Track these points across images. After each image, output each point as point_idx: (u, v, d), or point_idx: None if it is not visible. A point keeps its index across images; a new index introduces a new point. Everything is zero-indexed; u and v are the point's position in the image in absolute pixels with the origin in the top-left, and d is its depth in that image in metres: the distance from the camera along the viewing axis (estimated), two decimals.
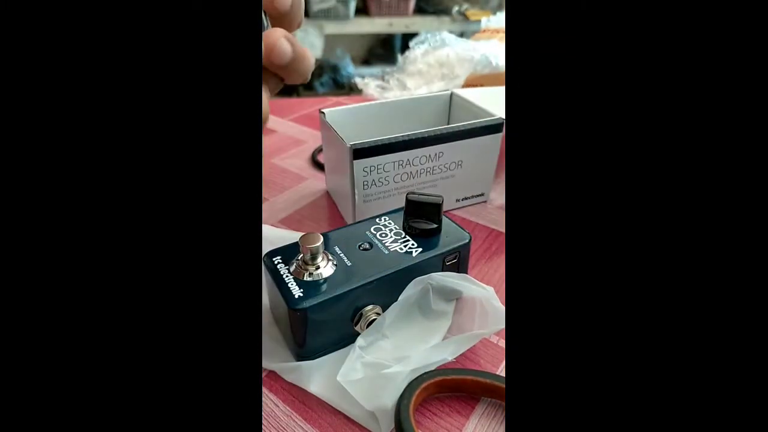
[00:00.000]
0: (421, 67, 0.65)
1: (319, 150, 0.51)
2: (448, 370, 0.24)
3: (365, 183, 0.35)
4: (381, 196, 0.36)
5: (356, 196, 0.35)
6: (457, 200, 0.40)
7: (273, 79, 0.22)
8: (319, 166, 0.48)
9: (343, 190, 0.37)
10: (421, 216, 0.28)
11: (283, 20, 0.21)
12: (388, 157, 0.34)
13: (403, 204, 0.29)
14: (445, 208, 0.29)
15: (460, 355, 0.26)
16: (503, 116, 0.37)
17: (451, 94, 0.43)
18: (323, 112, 0.38)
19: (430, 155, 0.36)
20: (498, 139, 0.38)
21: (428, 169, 0.36)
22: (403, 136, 0.34)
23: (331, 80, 1.64)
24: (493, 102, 0.40)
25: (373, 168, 0.34)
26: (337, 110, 0.38)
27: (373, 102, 0.41)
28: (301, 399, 0.24)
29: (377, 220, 0.30)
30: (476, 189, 0.40)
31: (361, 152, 0.33)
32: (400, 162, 0.35)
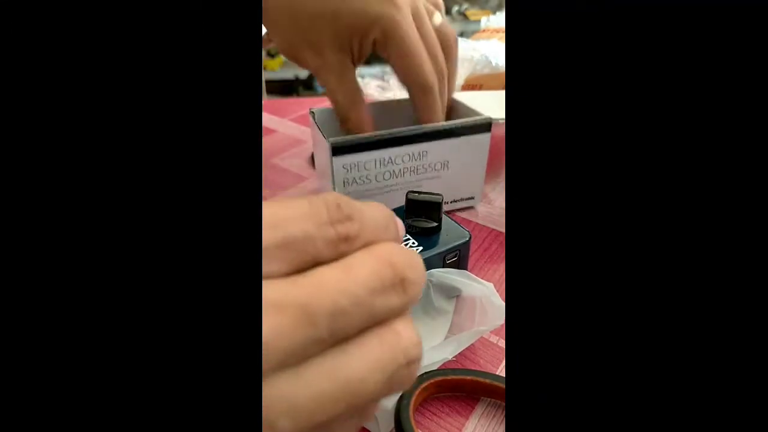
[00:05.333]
0: None
1: None
2: (448, 370, 0.24)
3: (345, 181, 0.34)
4: (363, 195, 0.35)
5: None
6: (446, 203, 0.38)
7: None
8: None
9: (326, 189, 0.36)
10: (421, 215, 0.28)
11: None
12: (369, 154, 0.33)
13: (387, 204, 0.29)
14: None
15: (460, 355, 0.26)
16: (492, 117, 0.36)
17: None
18: (313, 112, 0.37)
19: (413, 154, 0.34)
20: (486, 140, 0.36)
21: (412, 169, 0.35)
22: (383, 132, 0.33)
23: None
24: (488, 106, 0.39)
25: (353, 165, 0.33)
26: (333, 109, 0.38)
27: (371, 102, 0.41)
28: None
29: None
30: (465, 192, 0.39)
31: (340, 149, 0.32)
32: (382, 160, 0.34)
